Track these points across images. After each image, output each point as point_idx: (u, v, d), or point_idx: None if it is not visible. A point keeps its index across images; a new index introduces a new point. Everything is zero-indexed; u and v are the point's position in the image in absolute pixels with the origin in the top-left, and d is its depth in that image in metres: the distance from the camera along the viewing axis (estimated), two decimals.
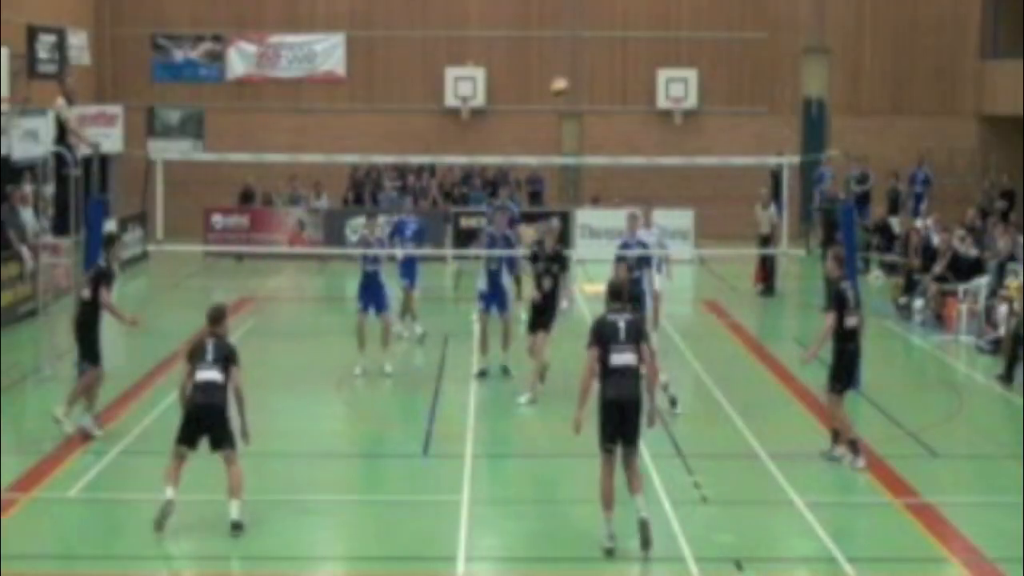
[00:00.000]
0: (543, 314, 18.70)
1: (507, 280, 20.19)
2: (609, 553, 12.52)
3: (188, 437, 13.18)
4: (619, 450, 12.68)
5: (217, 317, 13.66)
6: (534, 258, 19.04)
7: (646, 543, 12.43)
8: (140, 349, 21.99)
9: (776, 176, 29.77)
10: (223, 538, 13.05)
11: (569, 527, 13.52)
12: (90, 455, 15.71)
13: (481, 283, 20.05)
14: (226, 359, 13.36)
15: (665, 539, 12.92)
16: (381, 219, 20.68)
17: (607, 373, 12.72)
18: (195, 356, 13.38)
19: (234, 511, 12.98)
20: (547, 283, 18.72)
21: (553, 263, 18.84)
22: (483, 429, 17.01)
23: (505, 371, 19.72)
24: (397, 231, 21.95)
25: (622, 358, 12.73)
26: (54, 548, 12.86)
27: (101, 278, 16.58)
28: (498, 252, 19.83)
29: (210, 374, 13.22)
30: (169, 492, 13.00)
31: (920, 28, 37.71)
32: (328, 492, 14.75)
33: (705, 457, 15.84)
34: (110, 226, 24.31)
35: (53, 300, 24.85)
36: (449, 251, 29.40)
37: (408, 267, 21.77)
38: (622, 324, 12.85)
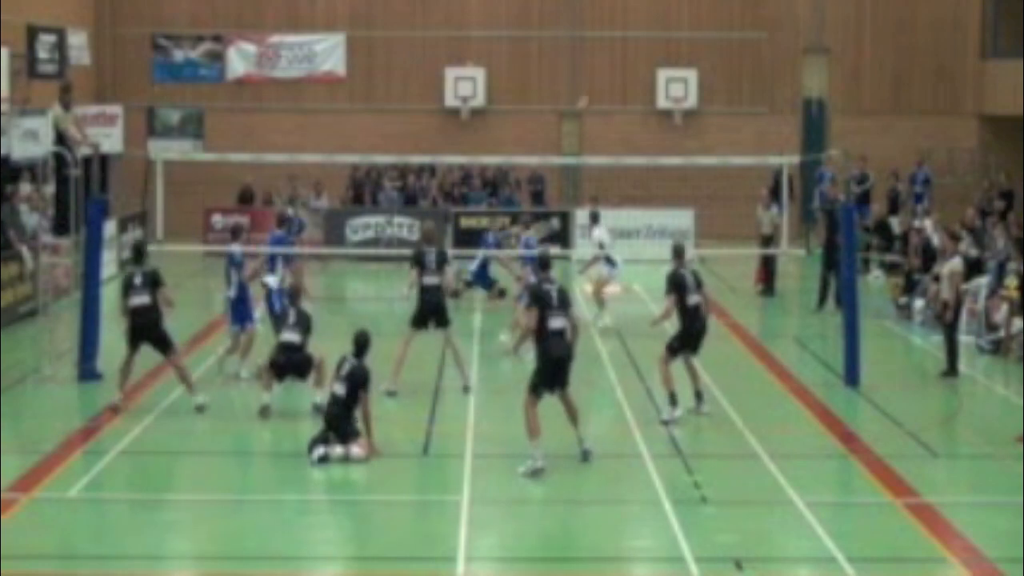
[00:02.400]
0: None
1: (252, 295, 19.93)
2: (537, 473, 14.62)
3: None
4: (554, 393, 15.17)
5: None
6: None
7: (585, 460, 15.22)
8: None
9: (776, 176, 29.77)
10: (223, 538, 13.07)
11: (569, 527, 13.52)
12: (90, 455, 15.72)
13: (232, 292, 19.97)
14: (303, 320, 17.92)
15: (665, 539, 12.94)
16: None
17: (545, 335, 14.98)
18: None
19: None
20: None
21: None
22: (483, 429, 17.00)
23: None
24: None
25: (557, 322, 15.00)
26: (54, 548, 12.85)
27: None
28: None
29: (292, 336, 17.49)
30: (265, 397, 17.24)
31: (920, 28, 37.69)
32: (328, 492, 14.76)
33: (705, 457, 15.85)
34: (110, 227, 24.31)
35: (53, 300, 24.88)
36: (449, 251, 29.31)
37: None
38: (554, 293, 15.13)
